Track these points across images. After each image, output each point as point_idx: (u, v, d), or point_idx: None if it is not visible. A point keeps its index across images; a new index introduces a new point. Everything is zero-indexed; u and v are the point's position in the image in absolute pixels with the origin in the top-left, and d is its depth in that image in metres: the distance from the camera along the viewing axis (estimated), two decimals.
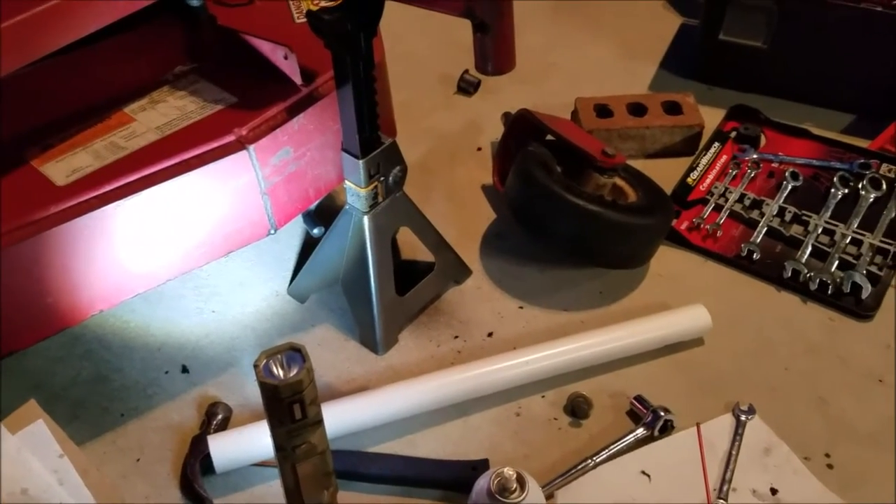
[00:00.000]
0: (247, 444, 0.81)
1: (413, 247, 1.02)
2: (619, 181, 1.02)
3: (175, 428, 0.87)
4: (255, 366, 0.56)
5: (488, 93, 1.31)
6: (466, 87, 1.30)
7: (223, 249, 0.85)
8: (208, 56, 0.92)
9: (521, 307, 1.00)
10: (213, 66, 0.91)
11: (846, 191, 1.08)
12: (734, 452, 0.83)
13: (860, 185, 1.08)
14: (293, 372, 0.57)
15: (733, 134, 1.18)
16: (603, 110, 1.17)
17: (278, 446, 0.60)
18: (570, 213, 0.94)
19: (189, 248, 0.83)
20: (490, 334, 0.97)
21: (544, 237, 1.00)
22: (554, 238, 0.98)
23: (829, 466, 0.83)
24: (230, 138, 0.82)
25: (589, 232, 0.95)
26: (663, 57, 1.36)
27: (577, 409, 0.88)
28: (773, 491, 0.81)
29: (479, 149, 1.21)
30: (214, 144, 0.81)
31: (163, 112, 0.85)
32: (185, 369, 0.93)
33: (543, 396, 0.90)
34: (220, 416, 0.86)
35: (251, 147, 0.81)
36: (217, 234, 0.84)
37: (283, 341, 0.58)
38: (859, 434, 0.86)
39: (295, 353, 0.57)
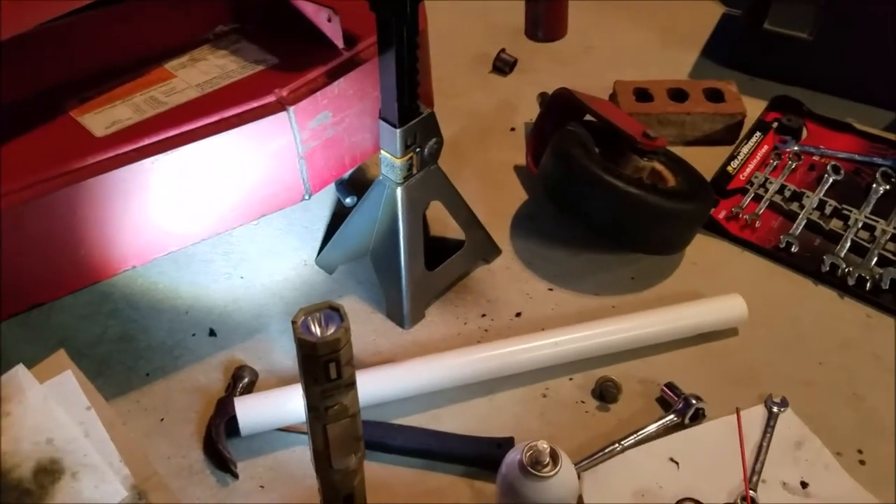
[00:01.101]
0: (273, 407, 0.80)
1: (443, 224, 1.01)
2: (658, 165, 1.01)
3: (201, 390, 0.87)
4: (294, 322, 0.56)
5: (524, 73, 1.29)
6: (502, 66, 1.29)
7: (258, 212, 0.84)
8: (250, 16, 0.91)
9: (550, 289, 0.99)
10: (254, 27, 0.90)
11: (888, 187, 1.06)
12: (765, 444, 0.81)
13: None
14: (331, 331, 0.56)
15: (775, 125, 1.15)
16: (643, 94, 1.15)
17: (311, 406, 0.59)
18: (607, 195, 0.92)
19: (224, 208, 0.82)
20: (518, 314, 0.96)
21: (579, 218, 0.98)
22: (589, 220, 0.97)
23: (862, 463, 0.82)
24: (270, 99, 0.81)
25: (626, 215, 0.94)
26: (704, 45, 1.33)
27: (605, 393, 0.86)
28: (804, 484, 0.79)
29: (513, 129, 1.20)
30: (254, 104, 0.80)
31: (203, 70, 0.84)
32: (212, 333, 0.92)
33: (571, 379, 0.89)
34: (246, 380, 0.85)
35: (291, 109, 0.80)
36: (252, 196, 0.83)
37: None
38: (893, 432, 0.84)
39: (333, 312, 0.56)
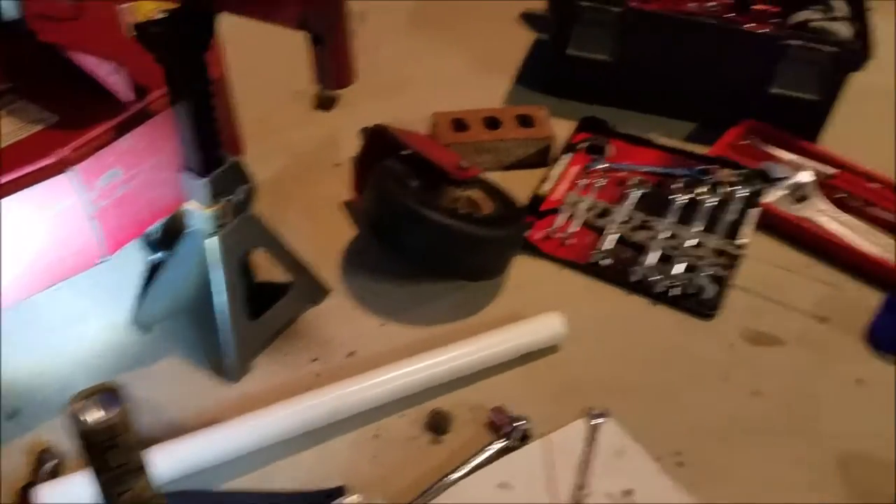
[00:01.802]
0: (77, 490, 0.75)
1: (268, 270, 0.99)
2: (474, 194, 1.03)
3: (3, 477, 0.80)
4: (68, 410, 0.52)
5: (346, 108, 1.29)
6: (324, 102, 1.28)
7: (47, 280, 0.79)
8: (28, 74, 0.85)
9: (382, 324, 0.99)
10: (33, 85, 0.84)
11: (688, 196, 1.13)
12: (587, 458, 0.84)
13: (701, 190, 1.13)
14: (109, 415, 0.52)
15: (584, 145, 1.21)
16: (459, 124, 1.18)
17: (102, 495, 0.56)
18: (422, 227, 0.93)
19: (7, 280, 0.76)
20: (351, 354, 0.95)
21: (400, 252, 0.99)
22: (409, 252, 0.98)
23: (680, 464, 0.86)
24: (50, 160, 0.76)
25: (442, 245, 0.95)
26: (518, 71, 1.38)
27: (436, 425, 0.87)
28: (627, 493, 0.82)
29: (338, 164, 1.19)
30: (33, 167, 0.75)
31: None
32: (13, 413, 0.85)
33: (402, 416, 0.89)
34: (51, 463, 0.79)
35: (74, 168, 0.76)
36: (39, 264, 0.78)
37: (125, 376, 0.54)
38: (707, 431, 0.89)
39: (110, 395, 0.53)
